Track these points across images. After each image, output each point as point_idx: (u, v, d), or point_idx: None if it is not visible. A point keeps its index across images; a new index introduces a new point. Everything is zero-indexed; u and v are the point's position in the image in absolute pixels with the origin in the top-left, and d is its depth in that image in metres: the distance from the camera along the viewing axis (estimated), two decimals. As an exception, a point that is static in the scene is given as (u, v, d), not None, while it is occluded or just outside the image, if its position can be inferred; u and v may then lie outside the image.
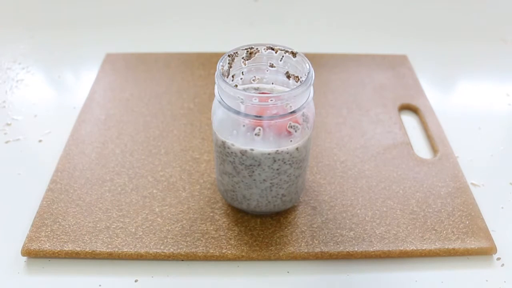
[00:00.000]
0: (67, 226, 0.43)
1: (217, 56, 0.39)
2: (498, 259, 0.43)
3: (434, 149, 0.54)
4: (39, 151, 0.53)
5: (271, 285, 0.41)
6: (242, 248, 0.42)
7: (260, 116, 0.37)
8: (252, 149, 0.38)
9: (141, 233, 0.43)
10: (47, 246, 0.41)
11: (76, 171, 0.49)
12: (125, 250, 0.41)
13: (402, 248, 0.42)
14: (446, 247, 0.42)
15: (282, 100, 0.37)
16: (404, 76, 0.65)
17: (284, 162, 0.39)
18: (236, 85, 0.42)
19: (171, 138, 0.54)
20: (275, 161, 0.39)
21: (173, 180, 0.48)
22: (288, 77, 0.42)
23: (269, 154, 0.38)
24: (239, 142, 0.38)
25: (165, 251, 0.41)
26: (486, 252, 0.42)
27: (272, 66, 0.42)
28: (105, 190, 0.47)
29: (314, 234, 0.43)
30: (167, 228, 0.43)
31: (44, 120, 0.58)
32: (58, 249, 0.41)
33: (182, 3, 0.87)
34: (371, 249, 0.42)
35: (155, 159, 0.51)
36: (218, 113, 0.40)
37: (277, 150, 0.38)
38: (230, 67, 0.41)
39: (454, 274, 0.41)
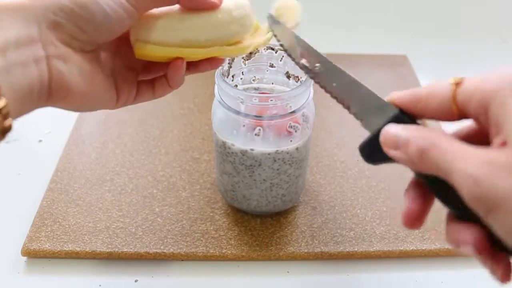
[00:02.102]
0: (67, 226, 0.43)
1: (217, 56, 0.39)
2: (498, 259, 0.43)
3: (434, 149, 0.54)
4: (39, 151, 0.53)
5: (271, 285, 0.41)
6: (242, 248, 0.42)
7: (260, 116, 0.37)
8: (252, 149, 0.38)
9: (141, 233, 0.43)
10: (47, 246, 0.41)
11: (76, 171, 0.49)
12: (125, 250, 0.41)
13: (402, 248, 0.42)
14: (446, 247, 0.42)
15: (282, 100, 0.37)
16: (404, 76, 0.65)
17: (284, 162, 0.39)
18: (236, 85, 0.42)
19: (171, 138, 0.53)
20: (275, 161, 0.39)
21: (173, 180, 0.48)
22: (288, 77, 0.42)
23: (269, 154, 0.38)
24: (239, 142, 0.38)
25: (165, 251, 0.41)
26: (486, 252, 0.42)
27: (272, 66, 0.42)
28: (105, 190, 0.47)
29: (314, 234, 0.43)
30: (167, 228, 0.43)
31: (44, 120, 0.58)
32: (58, 249, 0.41)
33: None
34: (371, 249, 0.42)
35: (155, 159, 0.51)
36: (218, 113, 0.40)
37: (277, 150, 0.38)
38: (230, 67, 0.41)
39: (454, 274, 0.41)
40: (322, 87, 0.30)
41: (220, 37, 0.32)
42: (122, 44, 0.33)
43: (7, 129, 0.25)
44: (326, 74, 0.31)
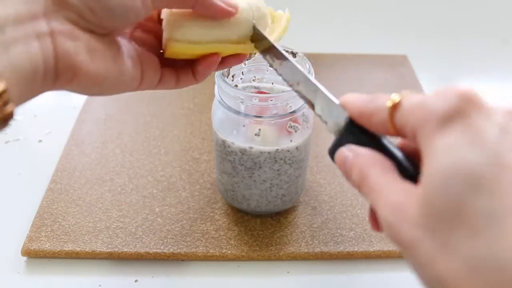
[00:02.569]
0: (67, 226, 0.43)
1: (217, 56, 0.39)
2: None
3: (434, 149, 0.54)
4: (39, 151, 0.53)
5: (271, 285, 0.41)
6: (242, 248, 0.42)
7: (260, 116, 0.37)
8: (251, 147, 0.38)
9: (141, 233, 0.43)
10: (47, 246, 0.41)
11: (76, 171, 0.49)
12: (125, 250, 0.41)
13: (402, 248, 0.42)
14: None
15: (282, 100, 0.37)
16: (404, 76, 0.65)
17: (285, 162, 0.39)
18: (236, 85, 0.42)
19: (171, 138, 0.53)
20: (276, 161, 0.39)
21: (173, 180, 0.48)
22: (288, 77, 0.42)
23: (269, 153, 0.38)
24: (239, 141, 0.38)
25: (165, 251, 0.41)
26: (486, 252, 0.42)
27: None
28: (105, 190, 0.47)
29: (314, 234, 0.43)
30: (167, 228, 0.43)
31: (44, 120, 0.58)
32: (58, 249, 0.41)
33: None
34: (371, 249, 0.42)
35: (155, 159, 0.51)
36: (218, 113, 0.40)
37: (277, 149, 0.38)
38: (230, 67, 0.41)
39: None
40: (289, 86, 0.31)
41: (249, 33, 0.33)
42: (139, 30, 0.32)
43: (8, 116, 0.23)
44: (289, 74, 0.31)
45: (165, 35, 0.31)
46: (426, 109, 0.21)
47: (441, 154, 0.19)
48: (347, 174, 0.25)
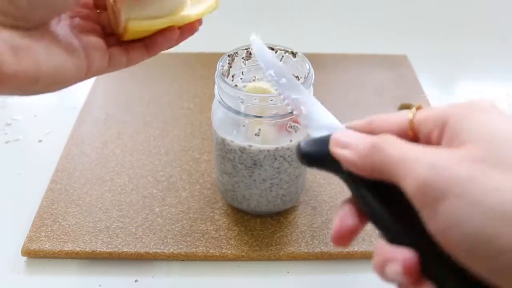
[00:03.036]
0: (67, 226, 0.43)
1: (217, 56, 0.39)
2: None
3: (434, 149, 0.54)
4: (39, 151, 0.53)
5: (271, 285, 0.41)
6: (242, 248, 0.42)
7: (260, 116, 0.37)
8: (250, 146, 0.38)
9: (141, 233, 0.43)
10: (47, 246, 0.41)
11: (76, 171, 0.49)
12: (125, 250, 0.41)
13: (402, 248, 0.42)
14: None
15: (282, 100, 0.37)
16: (404, 76, 0.65)
17: (285, 159, 0.39)
18: (236, 85, 0.42)
19: (171, 138, 0.53)
20: (276, 159, 0.39)
21: (173, 180, 0.48)
22: (288, 77, 0.42)
23: (268, 151, 0.38)
24: (238, 140, 0.38)
25: (165, 251, 0.41)
26: (486, 252, 0.42)
27: (272, 66, 0.42)
28: (105, 190, 0.47)
29: (314, 234, 0.43)
30: (167, 228, 0.43)
31: (44, 120, 0.58)
32: (58, 249, 0.41)
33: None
34: (371, 249, 0.42)
35: (155, 159, 0.51)
36: (218, 113, 0.40)
37: (277, 147, 0.38)
38: (230, 67, 0.41)
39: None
40: (284, 99, 0.32)
41: None
42: (77, 18, 0.30)
43: None
44: (288, 88, 0.32)
45: (122, 16, 0.30)
46: (453, 104, 0.22)
47: (488, 124, 0.21)
48: (348, 149, 0.24)
